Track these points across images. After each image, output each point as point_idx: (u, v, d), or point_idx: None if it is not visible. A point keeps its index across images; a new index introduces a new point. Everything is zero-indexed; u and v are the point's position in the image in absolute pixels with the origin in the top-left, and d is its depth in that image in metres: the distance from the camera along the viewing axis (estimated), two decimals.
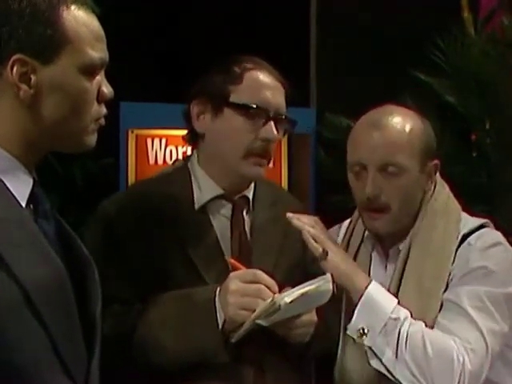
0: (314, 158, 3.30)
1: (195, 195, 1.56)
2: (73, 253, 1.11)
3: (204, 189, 1.56)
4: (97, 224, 1.55)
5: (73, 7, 1.06)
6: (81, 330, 1.05)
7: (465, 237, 1.58)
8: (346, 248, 1.69)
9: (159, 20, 3.62)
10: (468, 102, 3.08)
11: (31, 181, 1.08)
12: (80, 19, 1.07)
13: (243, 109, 1.52)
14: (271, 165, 2.98)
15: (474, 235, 1.58)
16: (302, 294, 1.39)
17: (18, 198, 1.04)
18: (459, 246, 1.57)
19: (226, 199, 1.57)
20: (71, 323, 1.03)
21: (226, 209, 1.57)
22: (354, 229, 1.72)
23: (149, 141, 3.09)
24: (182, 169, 1.61)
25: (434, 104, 3.10)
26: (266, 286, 1.41)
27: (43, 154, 1.12)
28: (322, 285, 1.42)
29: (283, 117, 1.56)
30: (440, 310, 1.54)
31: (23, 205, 1.05)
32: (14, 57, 1.03)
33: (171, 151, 3.12)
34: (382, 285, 1.59)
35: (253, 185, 1.62)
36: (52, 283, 1.01)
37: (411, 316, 1.52)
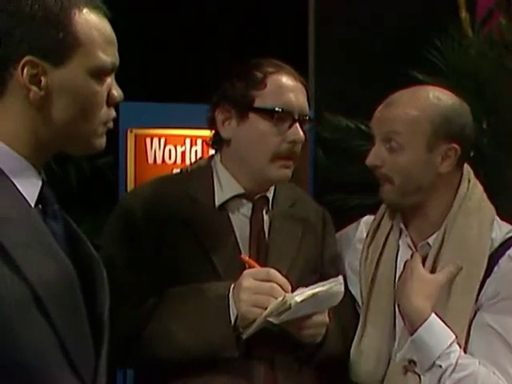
0: (312, 157, 3.31)
1: (216, 193, 1.58)
2: (81, 253, 1.12)
3: (225, 187, 1.58)
4: (117, 218, 1.58)
5: (85, 10, 1.07)
6: (89, 329, 1.06)
7: (500, 247, 1.55)
8: (371, 240, 1.69)
9: (158, 20, 3.63)
10: (465, 102, 3.09)
11: (40, 181, 1.09)
12: (92, 23, 1.07)
13: (269, 113, 1.53)
14: None
15: None
16: (313, 295, 1.41)
17: (28, 198, 1.05)
18: (497, 254, 1.54)
19: (247, 198, 1.60)
20: (79, 322, 1.04)
21: (246, 208, 1.59)
22: (380, 222, 1.71)
23: (148, 140, 3.09)
24: (204, 167, 1.63)
25: None
26: (279, 285, 1.43)
27: (52, 154, 1.13)
28: (333, 286, 1.44)
29: (307, 117, 1.58)
30: (466, 310, 1.52)
31: (32, 205, 1.06)
32: (25, 58, 1.04)
33: (170, 150, 3.12)
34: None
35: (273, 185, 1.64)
36: (60, 282, 1.02)
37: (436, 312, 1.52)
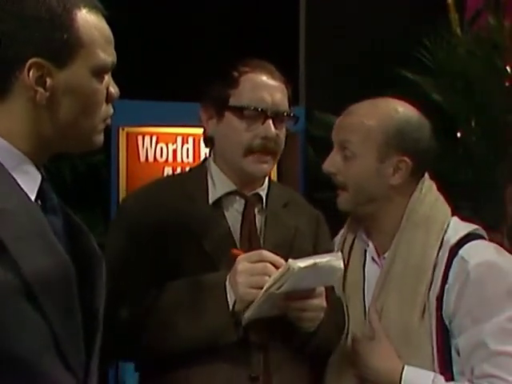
0: (303, 155, 3.33)
1: (210, 191, 1.63)
2: (81, 247, 1.12)
3: (218, 185, 1.63)
4: (118, 220, 1.65)
5: (85, 11, 1.09)
6: (81, 324, 1.06)
7: (454, 247, 1.55)
8: (343, 244, 1.72)
9: (151, 20, 3.64)
10: (454, 101, 3.12)
11: (40, 177, 1.10)
12: (92, 23, 1.09)
13: (241, 111, 1.58)
14: None
15: (466, 248, 1.55)
16: (315, 264, 1.42)
17: (27, 193, 1.06)
18: (451, 257, 1.54)
19: (240, 195, 1.64)
20: (72, 318, 1.05)
21: (239, 204, 1.64)
22: (348, 230, 1.74)
23: (139, 138, 3.10)
24: (200, 167, 1.69)
25: (421, 102, 3.14)
26: (273, 264, 1.47)
27: (53, 152, 1.15)
28: (333, 260, 1.46)
29: (284, 114, 1.62)
30: (423, 314, 1.53)
31: (32, 199, 1.07)
32: (31, 60, 1.05)
33: (162, 148, 3.13)
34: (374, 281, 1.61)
35: (266, 184, 1.69)
36: (56, 277, 1.03)
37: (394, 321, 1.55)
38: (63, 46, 1.07)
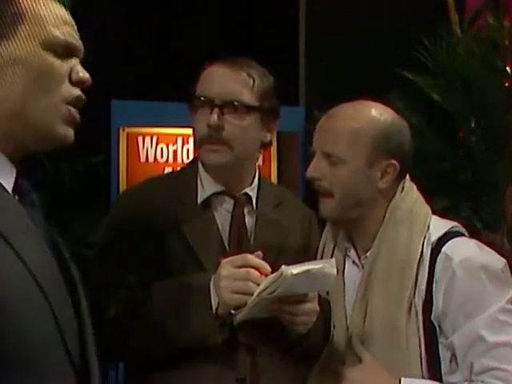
0: (302, 155, 3.33)
1: (199, 191, 1.63)
2: (57, 242, 1.11)
3: (206, 185, 1.63)
4: (109, 218, 1.65)
5: None
6: (74, 317, 1.05)
7: (436, 245, 1.54)
8: (322, 251, 1.71)
9: (150, 20, 3.64)
10: (454, 101, 3.12)
11: (14, 170, 1.07)
12: (40, 1, 1.07)
13: (193, 101, 1.60)
14: (261, 162, 3.02)
15: (448, 246, 1.54)
16: (308, 271, 1.42)
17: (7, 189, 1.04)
18: (434, 255, 1.54)
19: (229, 195, 1.64)
20: (67, 307, 1.04)
21: (229, 204, 1.64)
22: (327, 238, 1.72)
23: (140, 139, 3.11)
24: (191, 165, 1.70)
25: (421, 102, 3.15)
26: (257, 268, 1.46)
27: (24, 147, 1.09)
28: (326, 267, 1.45)
29: (233, 103, 1.57)
30: (409, 314, 1.52)
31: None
32: None
33: (162, 149, 3.14)
34: (356, 285, 1.61)
35: (256, 183, 1.68)
36: (50, 269, 1.02)
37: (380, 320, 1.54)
38: (3, 16, 1.04)
